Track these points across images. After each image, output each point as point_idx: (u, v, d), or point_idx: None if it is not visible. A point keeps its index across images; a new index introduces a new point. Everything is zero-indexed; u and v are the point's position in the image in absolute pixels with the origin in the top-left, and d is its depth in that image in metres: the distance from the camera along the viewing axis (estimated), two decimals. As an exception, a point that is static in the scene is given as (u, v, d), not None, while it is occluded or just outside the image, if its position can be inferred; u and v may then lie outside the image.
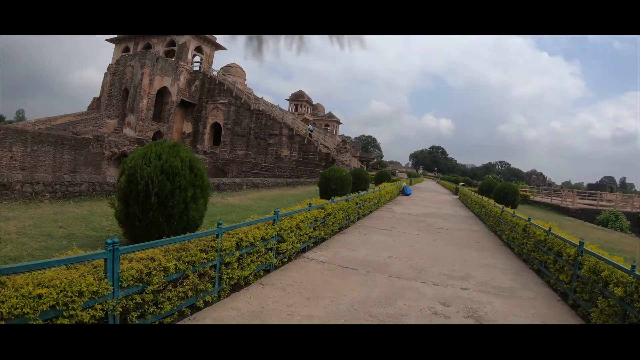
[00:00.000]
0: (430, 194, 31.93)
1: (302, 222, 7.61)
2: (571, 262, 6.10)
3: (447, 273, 7.20)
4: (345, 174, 15.47)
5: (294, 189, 22.87)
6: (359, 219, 12.94)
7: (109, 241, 3.39)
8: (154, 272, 3.85)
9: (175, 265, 4.11)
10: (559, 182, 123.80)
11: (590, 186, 59.07)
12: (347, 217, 11.22)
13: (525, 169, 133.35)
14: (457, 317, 5.08)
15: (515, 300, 6.01)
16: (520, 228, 9.07)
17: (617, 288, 4.71)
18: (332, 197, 9.90)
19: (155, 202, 5.55)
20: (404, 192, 26.44)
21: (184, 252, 4.28)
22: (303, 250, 8.00)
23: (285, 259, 6.97)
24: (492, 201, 15.14)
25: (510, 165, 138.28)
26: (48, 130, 30.79)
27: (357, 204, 12.37)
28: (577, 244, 6.05)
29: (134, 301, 3.71)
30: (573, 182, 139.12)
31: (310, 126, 43.77)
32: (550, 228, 7.34)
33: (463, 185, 41.36)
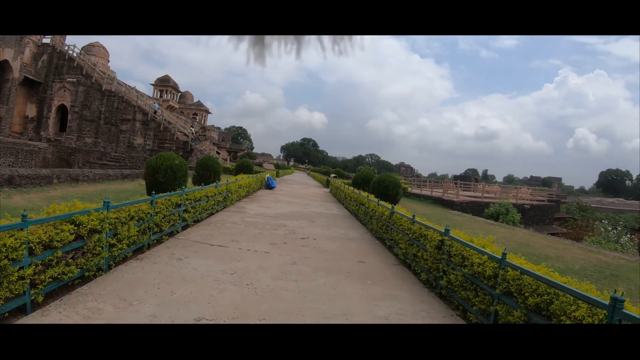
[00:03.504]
0: (299, 187, 29.16)
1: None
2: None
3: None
4: (179, 163, 11.15)
5: (130, 183, 18.72)
6: (185, 227, 8.79)
7: None
8: None
9: None
10: (425, 174, 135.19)
11: (456, 177, 63.97)
12: (156, 229, 7.14)
13: (394, 161, 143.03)
14: None
15: None
16: (432, 245, 5.81)
17: None
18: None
19: None
20: (268, 185, 23.48)
21: None
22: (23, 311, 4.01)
23: None
24: (373, 197, 12.19)
25: (380, 157, 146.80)
26: None
27: (178, 205, 8.21)
28: (600, 300, 2.78)
29: None
30: (439, 174, 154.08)
31: (155, 104, 37.94)
32: (504, 255, 4.07)
33: (335, 177, 39.70)
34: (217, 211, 11.70)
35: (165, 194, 7.80)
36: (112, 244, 5.43)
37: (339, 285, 5.66)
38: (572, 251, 10.45)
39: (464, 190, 34.43)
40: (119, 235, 5.59)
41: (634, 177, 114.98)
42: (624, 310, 2.69)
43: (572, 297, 3.12)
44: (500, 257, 4.06)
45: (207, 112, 70.06)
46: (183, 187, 9.09)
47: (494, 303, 4.06)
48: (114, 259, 5.54)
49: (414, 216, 7.28)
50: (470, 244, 4.80)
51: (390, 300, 5.24)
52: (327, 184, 32.07)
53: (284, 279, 5.77)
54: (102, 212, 5.13)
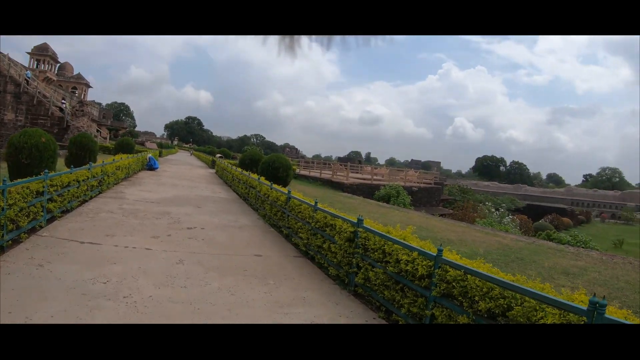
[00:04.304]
0: (183, 168, 27.33)
1: None
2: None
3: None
4: (47, 141, 9.86)
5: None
6: (51, 219, 7.16)
7: None
8: None
9: None
10: (310, 155, 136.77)
11: (340, 159, 65.85)
12: (10, 227, 5.54)
13: (279, 142, 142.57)
14: None
15: None
16: (343, 237, 5.12)
17: None
18: None
19: None
20: (149, 166, 21.59)
21: None
22: None
23: None
24: (264, 179, 11.29)
25: (265, 138, 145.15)
26: None
27: (41, 193, 6.67)
28: (577, 306, 2.34)
29: None
30: (323, 156, 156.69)
31: (28, 72, 32.49)
32: (440, 252, 3.49)
33: (220, 157, 37.95)
34: (91, 197, 9.91)
35: (21, 180, 6.21)
36: None
37: (238, 290, 4.67)
38: (471, 234, 10.70)
39: (352, 172, 35.01)
40: None
41: (508, 163, 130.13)
42: (607, 316, 2.23)
43: (534, 301, 2.61)
44: (435, 254, 3.48)
45: (88, 86, 62.65)
46: (46, 170, 7.24)
47: (429, 306, 3.48)
48: None
49: (316, 203, 6.56)
50: (392, 236, 4.18)
51: (300, 305, 4.42)
52: (212, 165, 30.45)
53: (170, 285, 4.60)
54: None
